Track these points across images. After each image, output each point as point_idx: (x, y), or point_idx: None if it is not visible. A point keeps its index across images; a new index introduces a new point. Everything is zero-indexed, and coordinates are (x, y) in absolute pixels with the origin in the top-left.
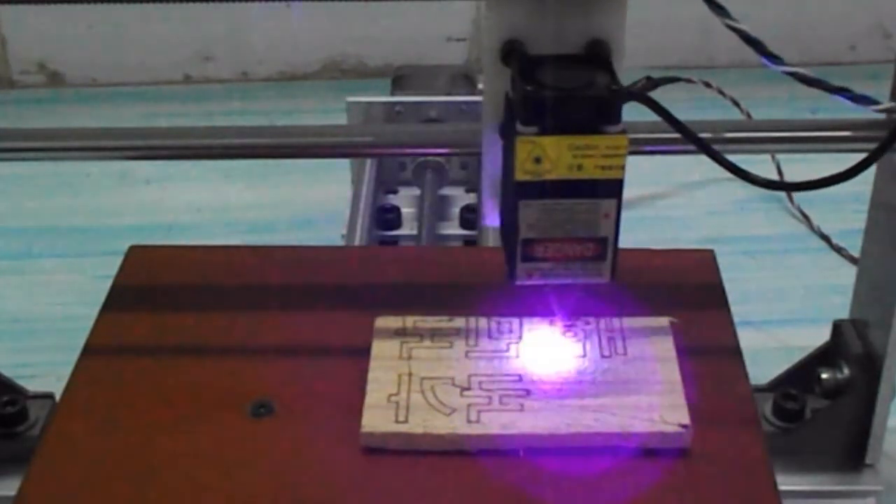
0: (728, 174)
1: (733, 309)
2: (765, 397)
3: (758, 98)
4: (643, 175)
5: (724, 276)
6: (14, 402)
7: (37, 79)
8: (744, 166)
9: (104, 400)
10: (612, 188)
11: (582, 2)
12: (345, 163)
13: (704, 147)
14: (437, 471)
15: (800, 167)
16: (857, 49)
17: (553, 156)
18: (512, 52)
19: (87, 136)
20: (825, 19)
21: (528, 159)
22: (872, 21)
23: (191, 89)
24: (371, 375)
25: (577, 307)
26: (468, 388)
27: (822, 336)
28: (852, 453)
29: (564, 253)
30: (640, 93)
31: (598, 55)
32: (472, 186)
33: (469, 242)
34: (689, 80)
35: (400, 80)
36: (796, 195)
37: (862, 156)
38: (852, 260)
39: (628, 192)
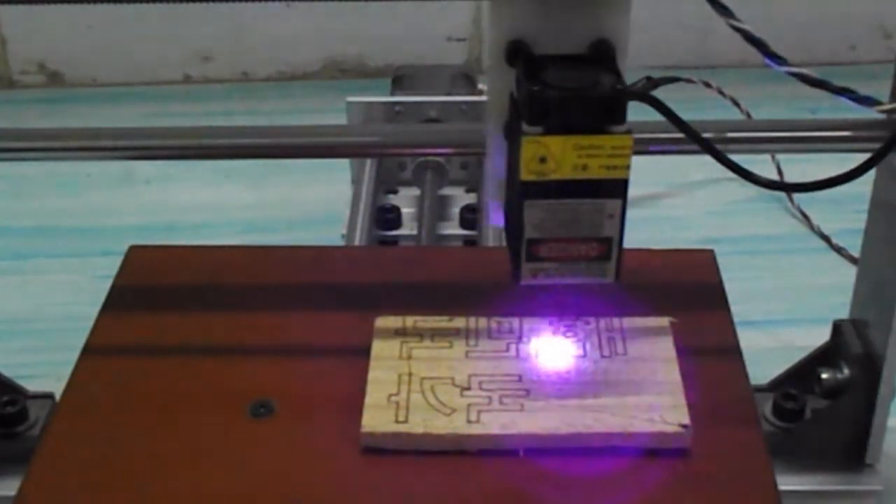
0: (728, 174)
1: (733, 309)
2: (765, 397)
3: (758, 98)
4: (643, 175)
5: (724, 276)
6: (14, 402)
7: (37, 79)
8: (744, 166)
9: (104, 400)
10: (617, 188)
11: (586, 2)
12: (345, 163)
13: (708, 147)
14: (437, 471)
15: (799, 167)
16: (857, 49)
17: (558, 156)
18: (517, 52)
19: (87, 136)
20: (825, 19)
21: (533, 159)
22: (872, 21)
23: (191, 89)
24: (371, 375)
25: (577, 307)
26: (468, 388)
27: (822, 336)
28: (852, 453)
29: (569, 253)
30: (646, 93)
31: (602, 55)
32: (472, 186)
33: (469, 242)
34: (689, 80)
35: (400, 79)
36: (796, 195)
37: (862, 156)
38: (852, 260)
39: (628, 192)
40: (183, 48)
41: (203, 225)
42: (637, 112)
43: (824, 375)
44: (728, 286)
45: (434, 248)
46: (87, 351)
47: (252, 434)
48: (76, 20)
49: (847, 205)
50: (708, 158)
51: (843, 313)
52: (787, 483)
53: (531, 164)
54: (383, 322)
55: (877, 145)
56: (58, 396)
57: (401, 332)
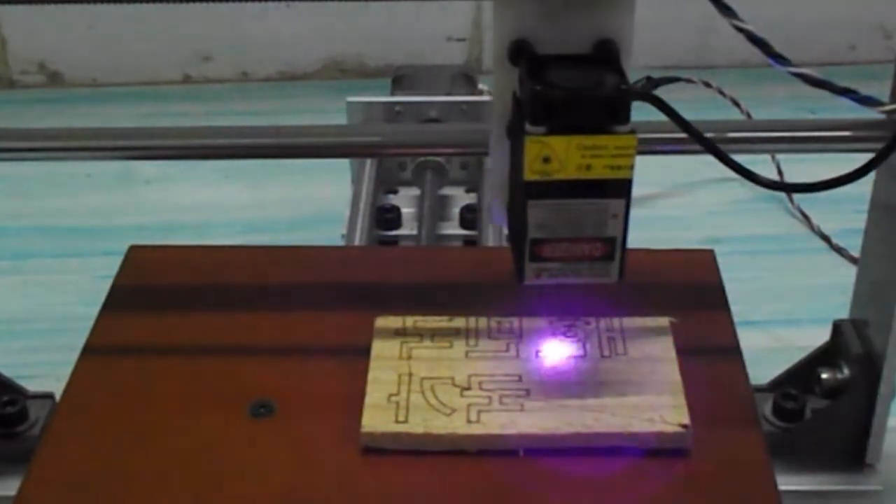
0: (728, 174)
1: (733, 309)
2: (765, 397)
3: (758, 98)
4: (644, 175)
5: (724, 276)
6: (14, 402)
7: (37, 79)
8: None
9: (104, 400)
10: (621, 188)
11: (590, 2)
12: (345, 163)
13: (712, 148)
14: (437, 471)
15: (799, 167)
16: (857, 49)
17: (562, 156)
18: (520, 52)
19: (87, 136)
20: (825, 19)
21: (537, 159)
22: (872, 21)
23: (191, 89)
24: (371, 375)
25: (577, 307)
26: (468, 389)
27: (822, 336)
28: (852, 453)
29: (573, 253)
30: (650, 93)
31: (606, 55)
32: (472, 186)
33: (469, 242)
34: (689, 80)
35: (400, 79)
36: (796, 195)
37: (861, 156)
38: (852, 260)
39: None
40: (183, 48)
41: (203, 225)
42: (638, 112)
43: (824, 375)
44: (728, 286)
45: (434, 248)
46: (87, 351)
47: (252, 434)
48: (76, 20)
49: (847, 205)
50: (707, 158)
51: (843, 313)
52: (787, 483)
53: (535, 164)
54: (383, 322)
55: (876, 145)
56: (58, 396)
57: (401, 332)
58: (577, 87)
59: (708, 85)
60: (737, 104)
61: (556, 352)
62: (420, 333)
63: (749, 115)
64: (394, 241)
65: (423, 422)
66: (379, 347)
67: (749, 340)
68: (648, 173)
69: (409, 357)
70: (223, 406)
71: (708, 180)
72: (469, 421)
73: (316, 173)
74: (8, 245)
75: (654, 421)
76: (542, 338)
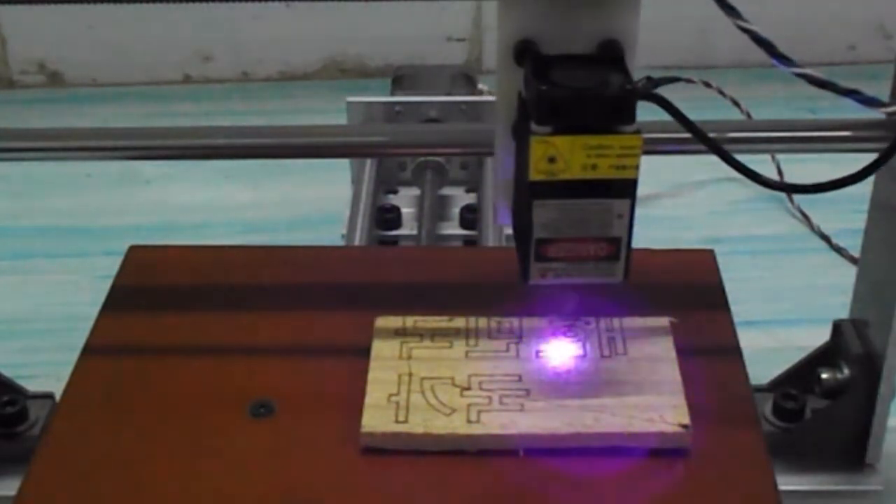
0: (728, 174)
1: (733, 309)
2: (765, 397)
3: (758, 98)
4: (644, 175)
5: (724, 276)
6: (14, 402)
7: (37, 79)
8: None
9: (104, 400)
10: (626, 188)
11: (595, 2)
12: (345, 163)
13: (716, 148)
14: (437, 471)
15: (798, 167)
16: (857, 49)
17: (567, 155)
18: (525, 52)
19: (87, 136)
20: (825, 19)
21: (543, 159)
22: (872, 21)
23: (191, 89)
24: (371, 375)
25: (577, 307)
26: (468, 388)
27: (822, 336)
28: (852, 453)
29: (578, 253)
30: (655, 93)
31: (611, 55)
32: (472, 186)
33: (469, 242)
34: (689, 80)
35: (400, 80)
36: (796, 195)
37: (861, 156)
38: (852, 260)
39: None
40: (183, 48)
41: (203, 225)
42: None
43: (824, 375)
44: (728, 286)
45: (434, 248)
46: (87, 351)
47: (252, 434)
48: (76, 20)
49: (847, 205)
50: (707, 158)
51: (843, 313)
52: (787, 483)
53: (540, 164)
54: (383, 322)
55: (876, 145)
56: (58, 396)
57: (401, 332)
58: (583, 87)
59: (708, 85)
60: (737, 104)
61: (556, 352)
62: (420, 333)
63: (749, 115)
64: (394, 241)
65: (423, 422)
66: (379, 347)
67: (749, 340)
68: (648, 173)
69: (409, 357)
70: (223, 406)
71: (708, 180)
72: (469, 421)
73: (316, 173)
74: (8, 245)
75: (654, 421)
76: (543, 338)
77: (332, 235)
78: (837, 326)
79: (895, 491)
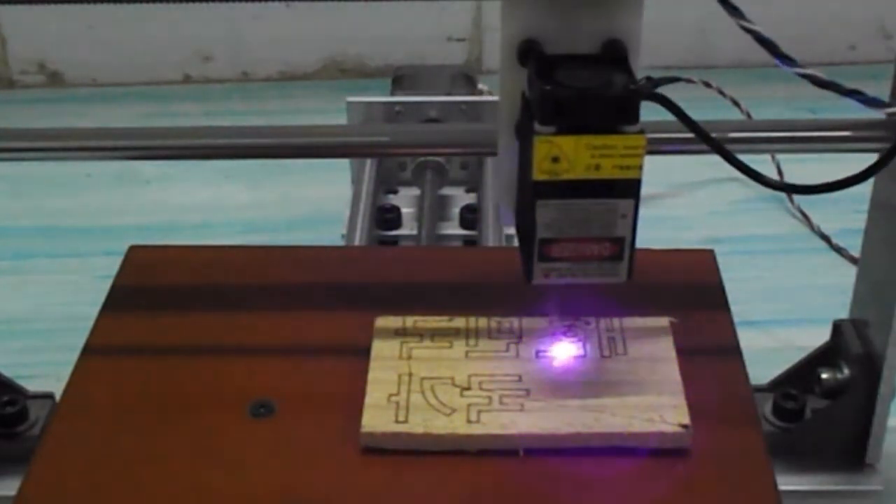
0: (728, 174)
1: (733, 309)
2: (765, 397)
3: (758, 98)
4: (644, 175)
5: (724, 276)
6: (14, 402)
7: (37, 79)
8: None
9: (104, 400)
10: (630, 188)
11: (599, 2)
12: (345, 163)
13: (719, 148)
14: (437, 471)
15: (797, 166)
16: (857, 49)
17: (571, 155)
18: (529, 52)
19: (87, 136)
20: (825, 19)
21: (546, 159)
22: (872, 21)
23: (191, 89)
24: (371, 375)
25: (577, 307)
26: (468, 388)
27: (822, 336)
28: (852, 453)
29: (581, 253)
30: (659, 93)
31: (615, 55)
32: (472, 186)
33: (469, 242)
34: (689, 80)
35: (400, 80)
36: (796, 195)
37: (862, 156)
38: (852, 260)
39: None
40: (183, 48)
41: (203, 225)
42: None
43: (824, 375)
44: (728, 286)
45: (434, 248)
46: (87, 351)
47: (252, 434)
48: (76, 20)
49: (847, 205)
50: (707, 158)
51: (843, 313)
52: (787, 483)
53: (544, 164)
54: (383, 322)
55: (877, 145)
56: (58, 396)
57: (401, 332)
58: (587, 87)
59: (708, 85)
60: (737, 104)
61: (556, 352)
62: (420, 333)
63: (749, 115)
64: (394, 241)
65: (423, 422)
66: (379, 347)
67: (749, 340)
68: (648, 173)
69: (409, 357)
70: (223, 406)
71: (708, 180)
72: (469, 421)
73: (316, 173)
74: (8, 245)
75: (654, 421)
76: (542, 338)
77: (332, 235)
78: (837, 326)
79: (895, 491)
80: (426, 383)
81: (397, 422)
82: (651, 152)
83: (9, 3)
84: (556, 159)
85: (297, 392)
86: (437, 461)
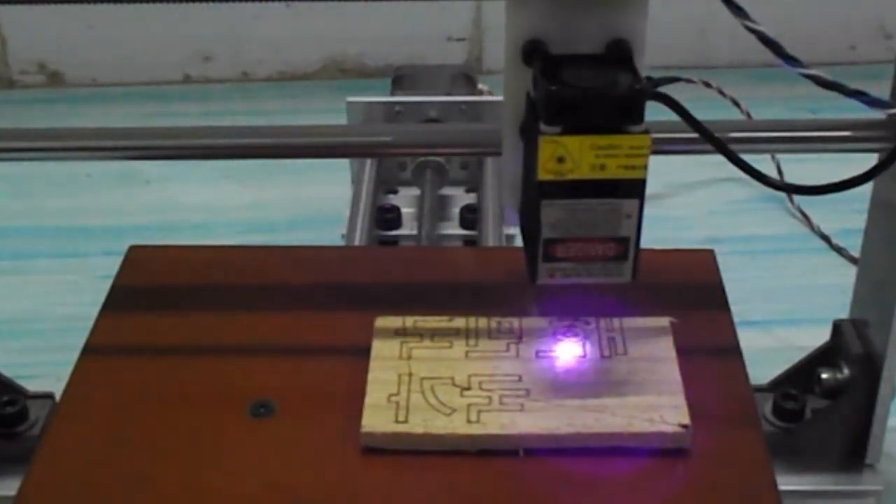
0: (728, 174)
1: (733, 309)
2: (765, 397)
3: (758, 98)
4: None
5: (724, 276)
6: (14, 402)
7: (37, 79)
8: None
9: (104, 400)
10: (635, 188)
11: (604, 1)
12: (345, 163)
13: (723, 148)
14: (437, 471)
15: (798, 166)
16: (857, 49)
17: (576, 155)
18: (534, 52)
19: (87, 136)
20: (825, 19)
21: (551, 159)
22: (872, 21)
23: (191, 89)
24: (371, 375)
25: (577, 307)
26: (468, 388)
27: (822, 336)
28: (852, 453)
29: (586, 253)
30: (664, 93)
31: (620, 55)
32: (472, 186)
33: (469, 242)
34: (689, 80)
35: (400, 80)
36: (796, 195)
37: (861, 156)
38: (852, 260)
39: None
40: (183, 48)
41: (203, 225)
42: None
43: (824, 375)
44: (728, 286)
45: (434, 248)
46: (87, 351)
47: (252, 434)
48: (76, 20)
49: (847, 205)
50: (707, 158)
51: (843, 313)
52: (787, 483)
53: (549, 164)
54: (383, 322)
55: (877, 145)
56: (58, 396)
57: (401, 332)
58: (592, 87)
59: (708, 85)
60: (737, 104)
61: (556, 352)
62: (420, 333)
63: (749, 115)
64: (394, 241)
65: (423, 422)
66: (379, 347)
67: (749, 340)
68: (649, 173)
69: (409, 357)
70: (223, 406)
71: (708, 180)
72: (469, 421)
73: (316, 173)
74: (8, 245)
75: (654, 421)
76: (542, 338)
77: (332, 235)
78: (837, 326)
79: (895, 491)
80: (426, 383)
81: (397, 422)
82: (653, 152)
83: (9, 3)
84: (561, 159)
85: (297, 392)
86: (437, 461)
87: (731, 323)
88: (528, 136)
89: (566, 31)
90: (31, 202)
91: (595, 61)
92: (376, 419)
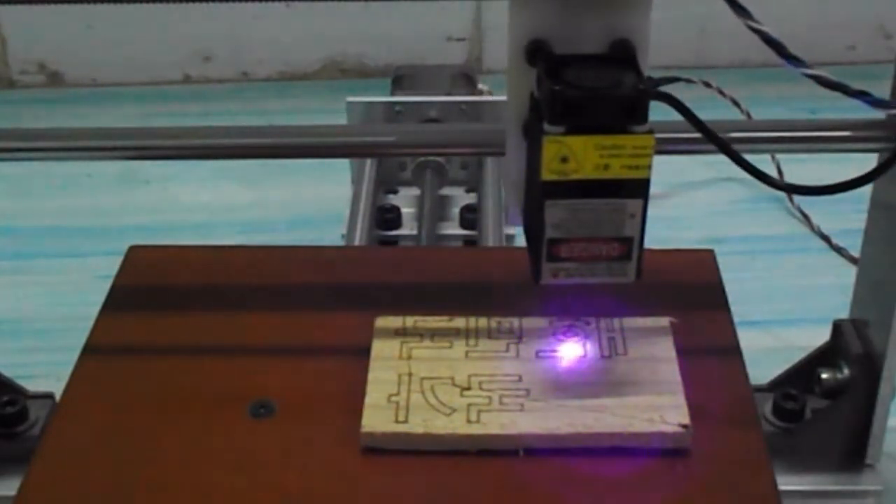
0: (728, 174)
1: (733, 309)
2: (765, 397)
3: (758, 98)
4: None
5: (724, 276)
6: (14, 402)
7: (37, 79)
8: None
9: (104, 400)
10: (639, 188)
11: (607, 1)
12: (345, 163)
13: (726, 149)
14: (437, 471)
15: (798, 166)
16: (857, 49)
17: (580, 155)
18: (537, 52)
19: (87, 136)
20: (825, 19)
21: (555, 159)
22: (872, 21)
23: (191, 89)
24: (371, 375)
25: (577, 307)
26: (468, 388)
27: (822, 336)
28: (852, 453)
29: (590, 253)
30: (668, 93)
31: (623, 55)
32: (472, 186)
33: (469, 242)
34: (689, 80)
35: (400, 80)
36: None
37: (861, 156)
38: (852, 260)
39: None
40: (183, 48)
41: (203, 225)
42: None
43: (824, 375)
44: (728, 286)
45: (434, 248)
46: (87, 351)
47: (252, 434)
48: (76, 20)
49: (847, 205)
50: (707, 158)
51: (843, 313)
52: (787, 483)
53: (552, 164)
54: (383, 322)
55: (877, 145)
56: (58, 396)
57: (401, 332)
58: (596, 87)
59: (708, 85)
60: (737, 104)
61: (556, 352)
62: (420, 333)
63: (749, 115)
64: (394, 241)
65: (423, 422)
66: (379, 347)
67: (749, 340)
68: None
69: (409, 357)
70: (223, 406)
71: (708, 180)
72: (469, 421)
73: (316, 173)
74: (8, 245)
75: (654, 421)
76: (542, 338)
77: (332, 235)
78: (837, 326)
79: (895, 491)
80: (426, 383)
81: (397, 422)
82: (656, 152)
83: (9, 3)
84: (564, 159)
85: (297, 392)
86: (437, 461)
87: (731, 323)
88: (532, 135)
89: (569, 31)
90: (31, 202)
91: (599, 61)
92: (376, 419)
